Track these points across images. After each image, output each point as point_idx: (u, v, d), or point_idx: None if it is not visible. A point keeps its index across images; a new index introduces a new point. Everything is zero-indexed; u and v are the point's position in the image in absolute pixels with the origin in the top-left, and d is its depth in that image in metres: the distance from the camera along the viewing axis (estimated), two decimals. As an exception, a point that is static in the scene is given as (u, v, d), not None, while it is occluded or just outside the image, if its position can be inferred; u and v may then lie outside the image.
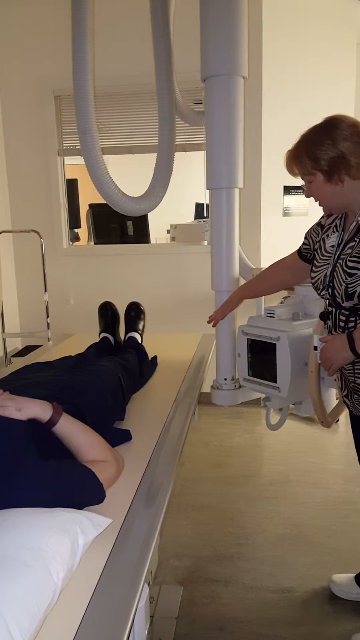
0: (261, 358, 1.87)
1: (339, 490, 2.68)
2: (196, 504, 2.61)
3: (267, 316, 1.87)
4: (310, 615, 1.89)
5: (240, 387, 2.23)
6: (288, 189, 3.67)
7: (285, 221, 3.72)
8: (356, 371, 1.53)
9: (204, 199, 4.25)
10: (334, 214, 1.60)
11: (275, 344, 1.78)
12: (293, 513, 2.50)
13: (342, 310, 1.52)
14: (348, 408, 1.68)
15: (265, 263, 3.30)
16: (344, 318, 1.52)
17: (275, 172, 3.56)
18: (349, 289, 1.45)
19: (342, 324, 1.53)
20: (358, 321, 1.49)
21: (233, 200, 2.12)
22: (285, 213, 3.72)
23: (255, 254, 3.54)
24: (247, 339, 1.92)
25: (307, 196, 1.55)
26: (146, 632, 0.94)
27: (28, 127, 3.80)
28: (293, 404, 1.98)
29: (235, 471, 2.94)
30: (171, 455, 1.37)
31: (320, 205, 1.55)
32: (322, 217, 1.68)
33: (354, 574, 1.97)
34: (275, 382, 1.80)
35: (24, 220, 3.88)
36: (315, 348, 1.63)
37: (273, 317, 1.86)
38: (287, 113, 3.44)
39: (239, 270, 2.23)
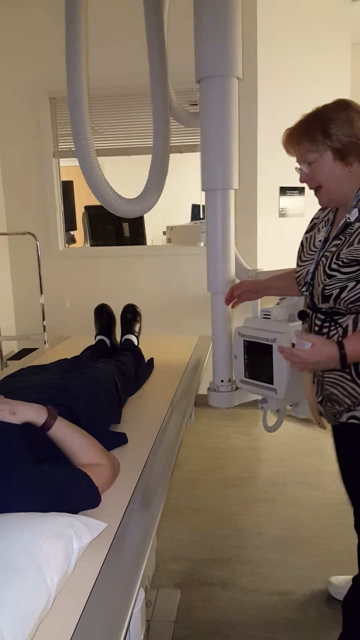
0: (258, 359, 1.87)
1: (336, 492, 2.67)
2: (193, 507, 2.60)
3: (264, 317, 1.87)
4: (308, 617, 1.88)
5: (237, 389, 2.22)
6: (284, 190, 3.67)
7: (282, 222, 3.72)
8: (325, 379, 1.47)
9: (200, 200, 4.25)
10: (335, 207, 1.51)
11: (271, 345, 1.77)
12: (291, 515, 2.50)
13: (318, 314, 1.45)
14: (320, 414, 1.59)
15: (261, 264, 3.31)
16: (319, 322, 1.45)
17: (271, 173, 3.56)
18: (326, 291, 1.39)
19: (317, 328, 1.45)
20: (332, 328, 1.41)
21: (228, 202, 2.11)
22: (282, 214, 3.72)
23: (252, 255, 3.53)
24: (244, 340, 1.91)
25: (304, 180, 1.44)
26: (142, 637, 0.93)
27: (23, 129, 3.79)
28: (290, 406, 1.97)
29: (233, 473, 2.93)
30: (167, 457, 1.36)
31: (317, 191, 1.45)
32: (317, 212, 1.61)
33: (352, 576, 1.96)
34: (272, 383, 1.79)
35: (19, 223, 3.87)
36: (293, 345, 1.43)
37: (269, 318, 1.85)
38: (282, 113, 3.41)
39: (235, 271, 2.22)
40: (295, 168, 1.46)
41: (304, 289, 1.51)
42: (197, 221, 4.36)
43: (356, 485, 1.68)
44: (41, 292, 3.67)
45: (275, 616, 1.88)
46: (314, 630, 1.83)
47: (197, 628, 1.85)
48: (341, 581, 1.96)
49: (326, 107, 1.39)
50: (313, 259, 1.49)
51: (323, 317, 1.44)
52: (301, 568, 2.12)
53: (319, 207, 1.59)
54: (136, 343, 2.25)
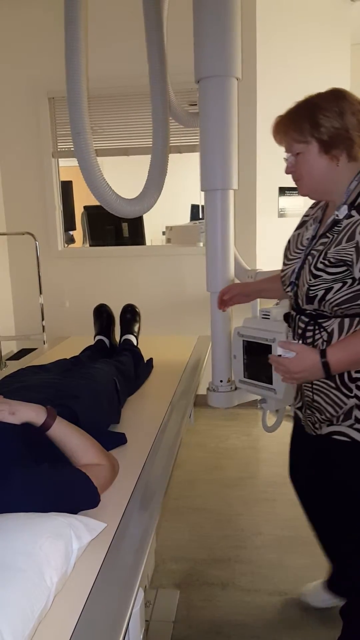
0: (257, 359, 1.86)
1: (336, 492, 2.67)
2: (193, 507, 2.60)
3: (263, 317, 1.87)
4: (307, 617, 1.88)
5: (236, 389, 2.22)
6: (283, 190, 3.67)
7: (281, 222, 3.72)
8: (314, 387, 1.42)
9: (200, 200, 4.25)
10: (316, 200, 1.47)
11: (270, 345, 1.77)
12: (290, 515, 2.49)
13: (302, 316, 1.41)
14: (300, 422, 1.55)
15: (260, 264, 3.31)
16: (302, 325, 1.40)
17: (271, 174, 3.56)
18: (310, 292, 1.33)
19: (300, 331, 1.41)
20: (317, 332, 1.36)
21: (228, 202, 2.11)
22: (281, 214, 3.72)
23: (251, 255, 3.53)
24: (243, 340, 1.91)
25: (289, 171, 1.39)
26: (141, 637, 0.93)
27: (22, 129, 3.79)
28: (289, 406, 1.97)
29: (232, 473, 2.93)
30: (167, 458, 1.37)
31: (300, 184, 1.38)
32: (307, 210, 1.57)
33: (320, 581, 1.92)
34: (271, 383, 1.79)
35: (18, 223, 3.87)
36: (280, 356, 1.39)
37: (268, 318, 1.84)
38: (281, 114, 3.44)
39: (234, 271, 2.22)
40: (284, 158, 1.41)
41: (288, 289, 1.46)
42: (197, 221, 4.37)
43: (322, 503, 1.65)
44: (40, 292, 3.66)
45: (275, 616, 1.88)
46: (314, 630, 1.83)
47: (197, 628, 1.85)
48: (311, 588, 1.92)
49: (319, 96, 1.33)
50: (299, 257, 1.44)
51: (307, 319, 1.39)
52: (301, 568, 2.12)
53: (311, 204, 1.56)
54: (135, 343, 2.25)
